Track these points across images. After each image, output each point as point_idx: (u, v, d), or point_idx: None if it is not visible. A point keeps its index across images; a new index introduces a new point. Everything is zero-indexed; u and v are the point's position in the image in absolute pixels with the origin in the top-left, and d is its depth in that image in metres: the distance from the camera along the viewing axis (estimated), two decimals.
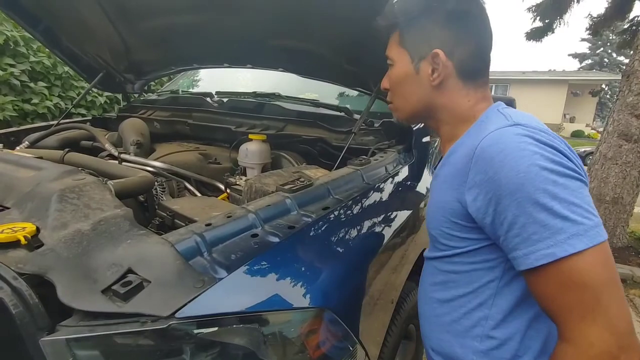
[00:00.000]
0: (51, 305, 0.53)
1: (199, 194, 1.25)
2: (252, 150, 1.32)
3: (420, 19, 0.64)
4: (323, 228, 0.81)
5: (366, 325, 0.80)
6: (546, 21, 5.73)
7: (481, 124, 0.63)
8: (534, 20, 5.79)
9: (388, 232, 0.93)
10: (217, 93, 1.85)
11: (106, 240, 0.63)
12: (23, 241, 0.58)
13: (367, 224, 0.91)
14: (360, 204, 0.96)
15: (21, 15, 1.59)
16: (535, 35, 6.02)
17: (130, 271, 0.60)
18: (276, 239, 0.72)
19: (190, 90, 2.21)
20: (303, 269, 0.69)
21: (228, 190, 1.20)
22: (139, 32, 1.62)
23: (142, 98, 2.16)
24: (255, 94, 1.76)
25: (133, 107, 1.98)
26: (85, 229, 0.64)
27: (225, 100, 1.72)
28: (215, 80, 2.33)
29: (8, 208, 0.69)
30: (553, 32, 5.83)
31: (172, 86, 2.36)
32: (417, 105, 0.68)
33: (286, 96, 1.70)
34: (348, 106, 1.52)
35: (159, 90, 2.41)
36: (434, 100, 0.67)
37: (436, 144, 1.76)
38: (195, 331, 0.58)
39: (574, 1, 5.13)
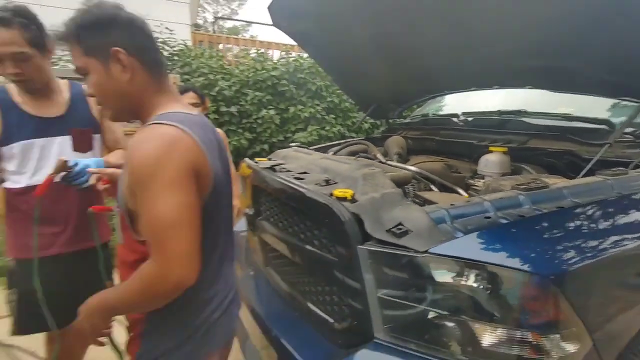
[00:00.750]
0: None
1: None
2: (491, 161, 1.49)
3: None
4: (553, 221, 0.91)
5: None
6: None
7: None
8: None
9: (631, 246, 0.89)
10: (463, 113, 2.10)
11: (388, 204, 1.03)
12: (349, 197, 1.06)
13: (608, 231, 0.92)
14: (603, 212, 0.97)
15: (333, 72, 2.44)
16: None
17: (400, 223, 0.96)
18: (505, 222, 0.91)
19: (439, 112, 2.57)
20: (529, 245, 0.85)
21: (466, 192, 1.43)
22: (405, 70, 2.13)
23: (397, 121, 2.71)
24: (499, 112, 1.89)
25: (392, 128, 2.53)
26: (377, 196, 1.07)
27: (470, 119, 1.95)
28: (460, 102, 2.59)
29: (337, 183, 1.22)
30: None
31: (422, 111, 2.80)
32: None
33: (533, 112, 1.74)
34: (613, 119, 1.41)
35: (410, 115, 2.91)
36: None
37: None
38: (437, 277, 0.87)
39: None
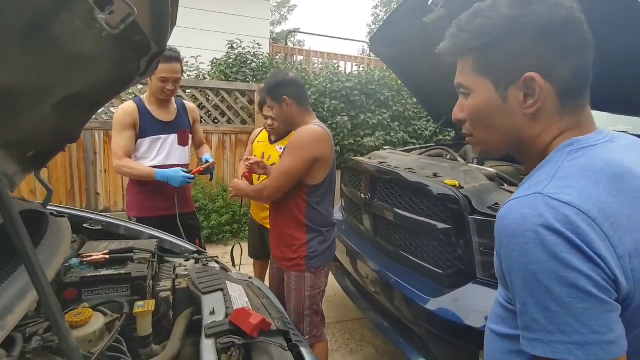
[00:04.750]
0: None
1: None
2: None
3: (503, 40, 0.55)
4: None
5: None
6: None
7: (536, 172, 0.57)
8: None
9: None
10: None
11: (486, 191, 1.51)
12: (457, 185, 1.55)
13: None
14: None
15: (412, 87, 2.92)
16: None
17: (497, 203, 1.44)
18: None
19: None
20: None
21: None
22: None
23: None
24: None
25: (462, 137, 2.98)
26: (477, 185, 1.55)
27: None
28: None
29: (442, 176, 1.71)
30: None
31: None
32: (505, 138, 0.60)
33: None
34: None
35: None
36: (525, 131, 0.58)
37: None
38: None
39: None
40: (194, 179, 1.94)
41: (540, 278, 0.46)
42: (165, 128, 2.01)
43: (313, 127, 1.58)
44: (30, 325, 0.93)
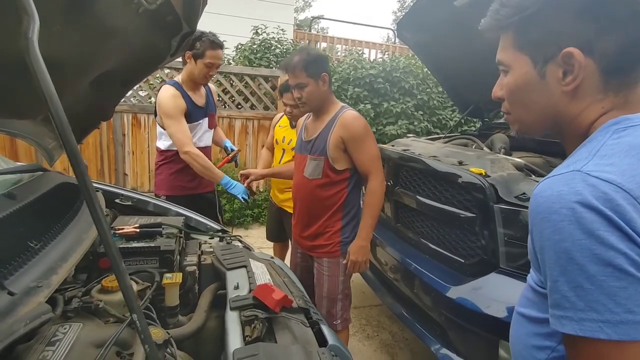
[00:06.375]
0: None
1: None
2: None
3: (542, 14, 0.53)
4: None
5: None
6: None
7: (577, 150, 0.54)
8: None
9: None
10: None
11: (514, 180, 1.47)
12: (483, 173, 1.52)
13: None
14: None
15: (440, 75, 2.85)
16: None
17: (524, 193, 1.40)
18: None
19: None
20: None
21: None
22: None
23: (494, 121, 3.05)
24: None
25: (489, 127, 2.89)
26: (504, 174, 1.51)
27: None
28: None
29: (468, 164, 1.68)
30: None
31: None
32: (542, 116, 0.58)
33: None
34: None
35: None
36: (564, 109, 0.56)
37: None
38: None
39: None
40: (249, 200, 2.05)
41: (573, 255, 0.44)
42: (201, 112, 2.04)
43: (355, 112, 1.55)
44: (69, 289, 1.00)
